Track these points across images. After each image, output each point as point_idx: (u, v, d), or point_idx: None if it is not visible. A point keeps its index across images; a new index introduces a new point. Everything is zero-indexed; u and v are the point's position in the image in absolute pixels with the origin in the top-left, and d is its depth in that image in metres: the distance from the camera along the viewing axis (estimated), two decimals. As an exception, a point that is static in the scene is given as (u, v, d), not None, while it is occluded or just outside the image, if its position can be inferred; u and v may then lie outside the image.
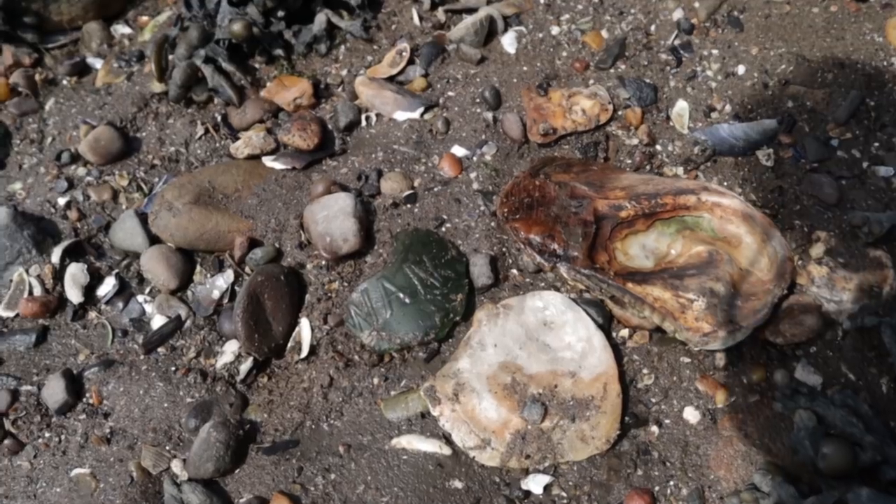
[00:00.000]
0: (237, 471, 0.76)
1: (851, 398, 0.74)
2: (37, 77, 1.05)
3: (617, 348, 0.79)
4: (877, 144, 0.92)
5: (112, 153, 0.96)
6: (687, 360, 0.78)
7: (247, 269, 0.87)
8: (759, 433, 0.75)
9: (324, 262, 0.85)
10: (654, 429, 0.76)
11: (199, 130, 0.98)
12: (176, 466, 0.77)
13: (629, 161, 0.92)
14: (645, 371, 0.78)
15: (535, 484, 0.73)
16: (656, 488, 0.73)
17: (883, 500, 0.66)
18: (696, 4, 1.03)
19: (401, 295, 0.80)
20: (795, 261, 0.82)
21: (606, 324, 0.80)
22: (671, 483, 0.73)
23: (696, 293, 0.76)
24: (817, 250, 0.83)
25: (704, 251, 0.80)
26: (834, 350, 0.79)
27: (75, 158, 0.97)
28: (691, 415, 0.76)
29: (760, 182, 0.90)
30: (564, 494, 0.73)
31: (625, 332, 0.80)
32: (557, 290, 0.81)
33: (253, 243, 0.87)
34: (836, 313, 0.80)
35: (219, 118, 0.99)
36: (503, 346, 0.76)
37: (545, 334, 0.77)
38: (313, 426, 0.78)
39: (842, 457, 0.70)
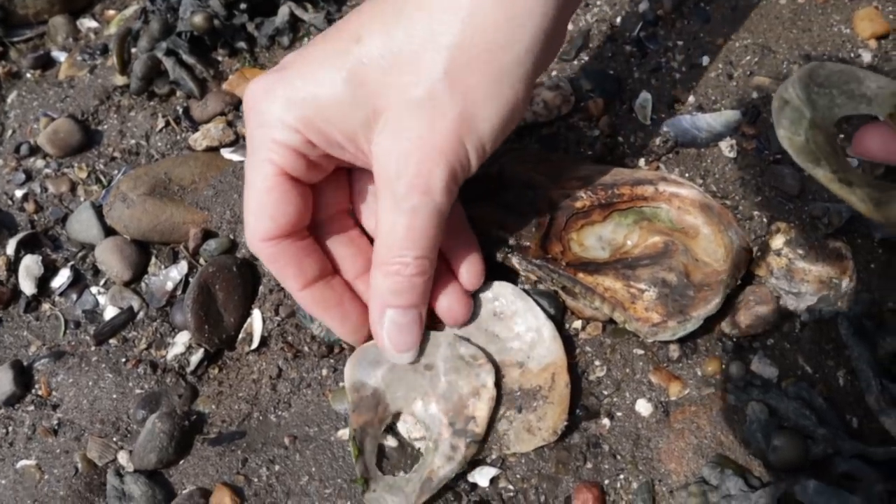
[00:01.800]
0: (181, 462, 0.75)
1: (806, 390, 0.73)
2: (0, 70, 1.05)
3: (569, 340, 0.78)
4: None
5: (71, 145, 0.96)
6: (640, 351, 0.77)
7: (201, 261, 0.86)
8: (711, 426, 0.73)
9: (277, 254, 0.85)
10: (606, 421, 0.74)
11: (160, 123, 0.98)
12: (122, 458, 0.76)
13: (590, 152, 0.91)
14: (597, 363, 0.77)
15: (482, 476, 0.72)
16: (606, 481, 0.72)
17: (830, 493, 0.65)
18: (662, -4, 1.02)
19: (351, 285, 0.79)
20: (754, 252, 0.81)
21: (559, 315, 0.78)
22: (621, 476, 0.72)
23: (647, 283, 0.75)
24: (777, 241, 0.82)
25: (661, 242, 0.79)
26: (791, 342, 0.77)
27: (34, 151, 0.97)
28: (643, 407, 0.75)
29: (723, 173, 0.89)
30: (511, 487, 0.72)
31: (578, 324, 0.79)
32: (511, 282, 0.80)
33: (207, 234, 0.87)
34: (795, 305, 0.79)
35: (180, 111, 0.98)
36: (450, 331, 0.75)
37: (494, 324, 0.76)
38: (261, 417, 0.77)
39: (793, 449, 0.69)
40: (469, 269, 0.73)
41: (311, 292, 0.67)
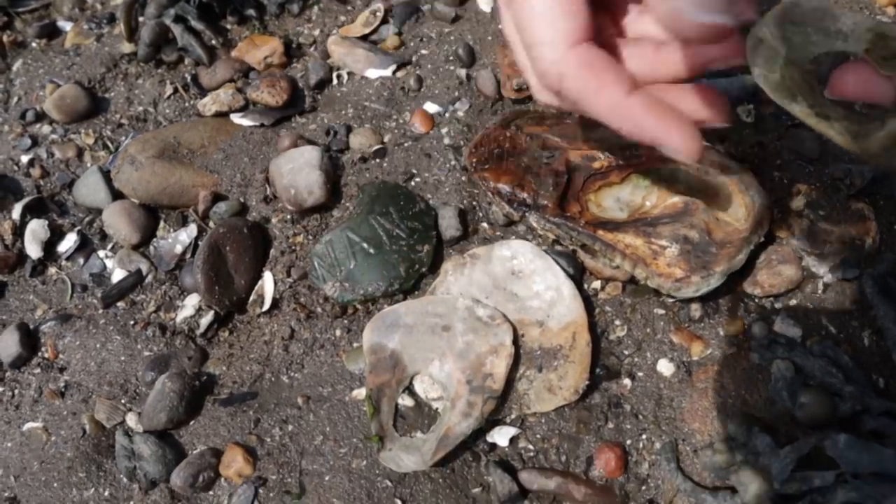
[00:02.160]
0: (192, 422, 0.73)
1: (831, 349, 0.71)
2: (5, 39, 1.03)
3: (589, 300, 0.76)
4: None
5: (78, 111, 0.94)
6: (661, 311, 0.76)
7: (210, 224, 0.85)
8: (735, 385, 0.72)
9: (289, 216, 0.83)
10: (627, 381, 0.73)
11: (168, 90, 0.96)
12: (131, 420, 0.74)
13: (605, 117, 0.90)
14: (617, 323, 0.75)
15: (501, 436, 0.70)
16: (628, 441, 0.70)
17: (861, 446, 0.63)
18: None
19: (365, 245, 0.77)
20: (775, 213, 0.79)
21: (578, 275, 0.77)
22: (643, 436, 0.70)
23: (668, 239, 0.73)
24: (797, 203, 0.80)
25: (680, 202, 0.77)
26: (814, 303, 0.76)
27: (40, 117, 0.95)
28: (665, 367, 0.73)
29: (741, 137, 0.87)
30: (531, 447, 0.70)
31: (597, 284, 0.77)
32: (528, 241, 0.78)
33: (217, 198, 0.85)
34: (817, 266, 0.77)
35: (188, 78, 0.97)
36: (468, 295, 0.74)
37: (513, 283, 0.74)
38: (273, 378, 0.75)
39: (820, 406, 0.67)
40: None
41: (641, 97, 0.54)
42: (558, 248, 0.78)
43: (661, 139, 0.56)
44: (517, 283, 0.75)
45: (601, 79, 0.53)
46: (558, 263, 0.75)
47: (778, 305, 0.76)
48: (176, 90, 0.96)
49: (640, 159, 0.81)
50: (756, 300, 0.76)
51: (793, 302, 0.76)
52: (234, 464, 0.69)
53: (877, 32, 0.58)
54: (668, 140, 0.55)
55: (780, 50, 0.58)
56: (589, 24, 0.54)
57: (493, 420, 0.70)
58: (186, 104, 0.96)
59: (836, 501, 0.62)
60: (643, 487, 0.69)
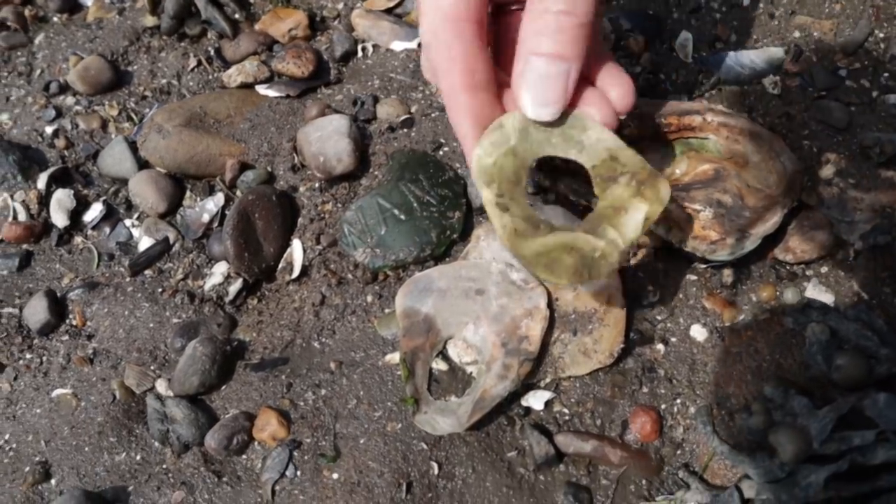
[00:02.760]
0: (223, 387, 0.73)
1: (865, 313, 0.71)
2: (26, 13, 1.03)
3: (621, 266, 0.76)
4: (886, 75, 0.90)
5: (102, 83, 0.94)
6: (693, 277, 0.75)
7: (238, 193, 0.84)
8: (769, 350, 0.71)
9: (317, 185, 0.83)
10: (660, 347, 0.73)
11: (192, 62, 0.96)
12: (160, 386, 0.74)
13: (632, 88, 0.89)
14: (650, 288, 0.75)
15: (536, 400, 0.70)
16: (662, 406, 0.70)
17: (901, 405, 0.63)
18: (700, -61, 1.01)
19: (396, 212, 0.77)
20: (805, 182, 0.79)
21: (609, 242, 0.76)
22: (678, 401, 0.70)
23: (702, 204, 0.73)
24: (827, 172, 0.80)
25: (710, 169, 0.77)
26: (845, 270, 0.76)
27: (64, 89, 0.95)
28: (698, 332, 0.73)
29: (767, 109, 0.87)
30: (566, 411, 0.70)
31: (629, 250, 0.77)
32: (560, 205, 0.78)
33: (244, 167, 0.85)
34: (848, 233, 0.77)
35: (212, 51, 0.96)
36: (501, 260, 0.73)
37: (546, 248, 0.74)
38: (304, 344, 0.75)
39: (856, 367, 0.67)
40: (617, 86, 0.61)
41: (471, 98, 0.56)
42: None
43: (463, 143, 0.59)
44: (550, 248, 0.74)
45: (451, 65, 0.55)
46: (591, 229, 0.75)
47: (809, 272, 0.76)
48: (199, 63, 0.96)
49: (669, 128, 0.81)
50: (787, 267, 0.76)
51: (824, 269, 0.76)
52: (269, 427, 0.68)
53: (612, 153, 0.61)
54: (465, 147, 0.59)
55: (511, 139, 0.58)
56: (477, 3, 0.54)
57: (527, 384, 0.70)
58: (210, 77, 0.95)
59: (876, 459, 0.62)
60: (678, 451, 0.68)
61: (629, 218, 0.60)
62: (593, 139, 0.60)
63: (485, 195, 0.58)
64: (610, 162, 0.61)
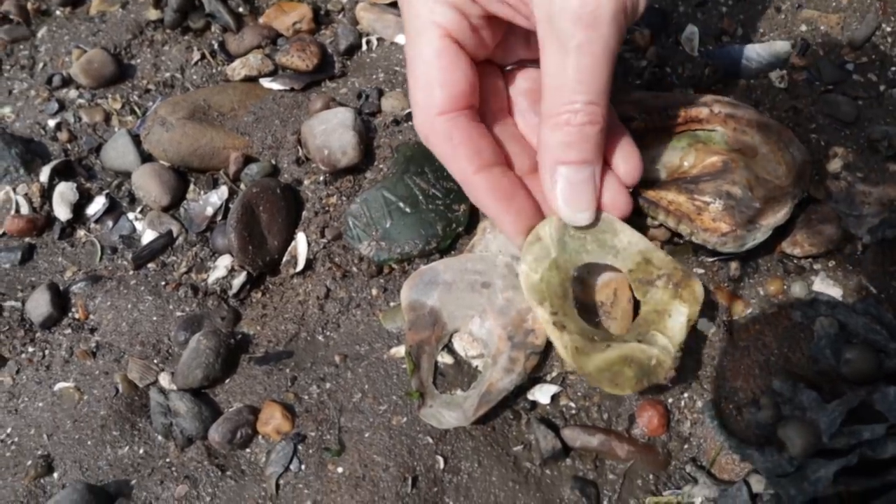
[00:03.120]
0: (227, 381, 0.72)
1: (874, 307, 0.71)
2: (29, 6, 1.02)
3: (627, 259, 0.75)
4: (894, 69, 0.89)
5: (105, 76, 0.93)
6: (700, 271, 0.75)
7: (241, 186, 0.84)
8: (777, 344, 0.71)
9: (322, 178, 0.82)
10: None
11: (196, 56, 0.95)
12: (164, 379, 0.73)
13: (638, 82, 0.89)
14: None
15: (542, 394, 0.69)
16: (669, 400, 0.69)
17: (912, 399, 0.62)
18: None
19: (401, 204, 0.76)
20: (813, 175, 0.79)
21: (616, 235, 0.76)
22: (685, 395, 0.70)
23: (711, 196, 0.72)
24: (834, 165, 0.80)
25: (719, 161, 0.77)
26: (853, 264, 0.75)
27: (67, 82, 0.94)
28: (705, 326, 0.72)
29: (774, 103, 0.87)
30: (573, 405, 0.69)
31: (635, 244, 0.76)
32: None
33: (248, 160, 0.84)
34: (856, 227, 0.77)
35: (216, 45, 0.96)
36: (507, 252, 0.73)
37: (552, 241, 0.73)
38: (308, 338, 0.74)
39: (866, 361, 0.66)
40: (626, 160, 0.64)
41: (486, 177, 0.60)
42: (596, 208, 0.77)
43: (495, 221, 0.63)
44: (556, 241, 0.74)
45: (456, 152, 0.59)
46: (597, 222, 0.74)
47: (817, 266, 0.75)
48: (203, 56, 0.95)
49: (676, 121, 0.80)
50: (795, 260, 0.75)
51: (832, 263, 0.76)
52: (273, 420, 0.68)
53: (645, 256, 0.65)
54: (499, 224, 0.63)
55: (551, 252, 0.63)
56: (465, 90, 0.59)
57: (533, 378, 0.69)
58: (214, 70, 0.95)
59: (886, 454, 0.61)
60: (685, 446, 0.68)
61: (673, 321, 0.64)
62: (625, 242, 0.65)
63: (541, 315, 0.62)
64: (645, 265, 0.66)
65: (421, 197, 0.77)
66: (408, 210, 0.76)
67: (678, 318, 0.64)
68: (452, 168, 0.60)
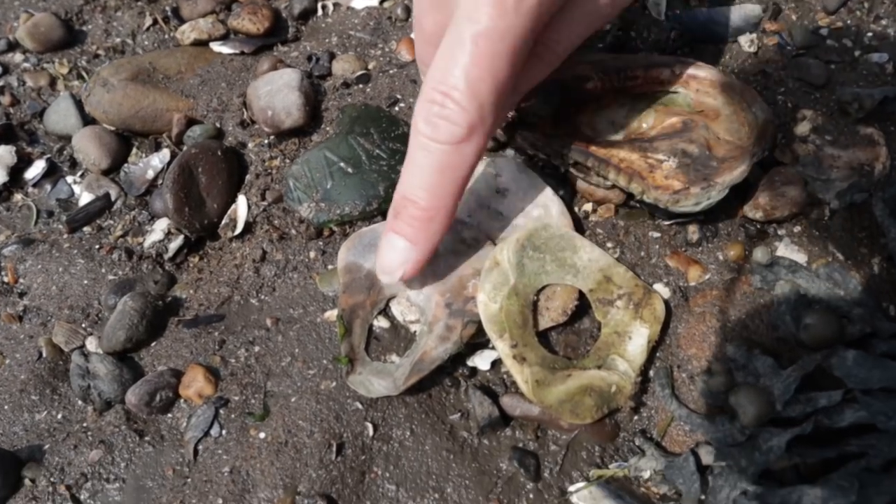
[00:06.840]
0: (153, 344, 0.69)
1: (838, 271, 0.66)
2: (-18, -27, 1.00)
3: (579, 222, 0.72)
4: (870, 35, 0.85)
5: (52, 41, 0.91)
6: (656, 234, 0.71)
7: (184, 149, 0.80)
8: (735, 310, 0.67)
9: (266, 140, 0.79)
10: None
11: (148, 21, 0.93)
12: (91, 344, 0.70)
13: (600, 46, 0.85)
14: (609, 245, 0.70)
15: (482, 360, 0.65)
16: (619, 368, 0.65)
17: (871, 363, 0.58)
18: None
19: (343, 165, 0.73)
20: (778, 139, 0.75)
21: (568, 197, 0.72)
22: (636, 363, 0.65)
23: (666, 153, 0.68)
24: (802, 128, 0.76)
25: (678, 122, 0.73)
26: (820, 229, 0.71)
27: (13, 46, 0.92)
28: (661, 291, 0.68)
29: (742, 67, 0.83)
30: (514, 372, 0.65)
31: (588, 206, 0.73)
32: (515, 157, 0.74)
33: (192, 122, 0.81)
34: (824, 192, 0.72)
35: (169, 10, 0.93)
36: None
37: (497, 202, 0.70)
38: (242, 301, 0.71)
39: (827, 326, 0.62)
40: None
41: None
42: (547, 171, 0.74)
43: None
44: (502, 201, 0.70)
45: None
46: (545, 181, 0.71)
47: (781, 232, 0.71)
48: (155, 22, 0.93)
49: (635, 81, 0.76)
50: (757, 225, 0.71)
51: (797, 228, 0.71)
52: (195, 384, 0.64)
53: (605, 274, 0.65)
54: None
55: (510, 277, 0.62)
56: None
57: (473, 344, 0.65)
58: (166, 36, 0.92)
59: (843, 422, 0.57)
60: (635, 417, 0.64)
61: (633, 344, 0.63)
62: (585, 260, 0.65)
63: (500, 348, 0.61)
64: (605, 283, 0.65)
65: (364, 157, 0.73)
66: (350, 171, 0.73)
67: (638, 341, 0.63)
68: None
